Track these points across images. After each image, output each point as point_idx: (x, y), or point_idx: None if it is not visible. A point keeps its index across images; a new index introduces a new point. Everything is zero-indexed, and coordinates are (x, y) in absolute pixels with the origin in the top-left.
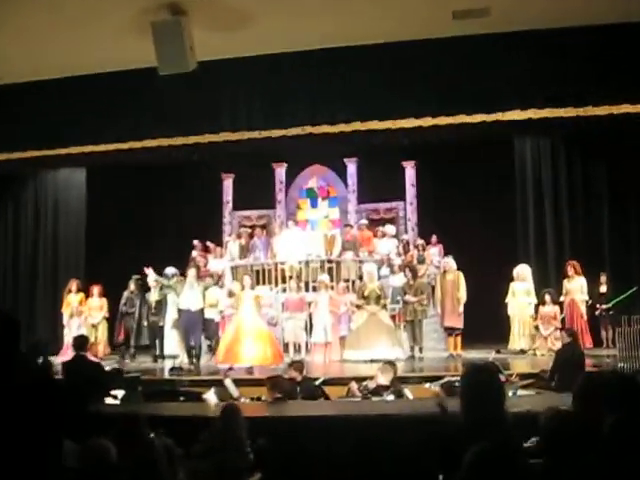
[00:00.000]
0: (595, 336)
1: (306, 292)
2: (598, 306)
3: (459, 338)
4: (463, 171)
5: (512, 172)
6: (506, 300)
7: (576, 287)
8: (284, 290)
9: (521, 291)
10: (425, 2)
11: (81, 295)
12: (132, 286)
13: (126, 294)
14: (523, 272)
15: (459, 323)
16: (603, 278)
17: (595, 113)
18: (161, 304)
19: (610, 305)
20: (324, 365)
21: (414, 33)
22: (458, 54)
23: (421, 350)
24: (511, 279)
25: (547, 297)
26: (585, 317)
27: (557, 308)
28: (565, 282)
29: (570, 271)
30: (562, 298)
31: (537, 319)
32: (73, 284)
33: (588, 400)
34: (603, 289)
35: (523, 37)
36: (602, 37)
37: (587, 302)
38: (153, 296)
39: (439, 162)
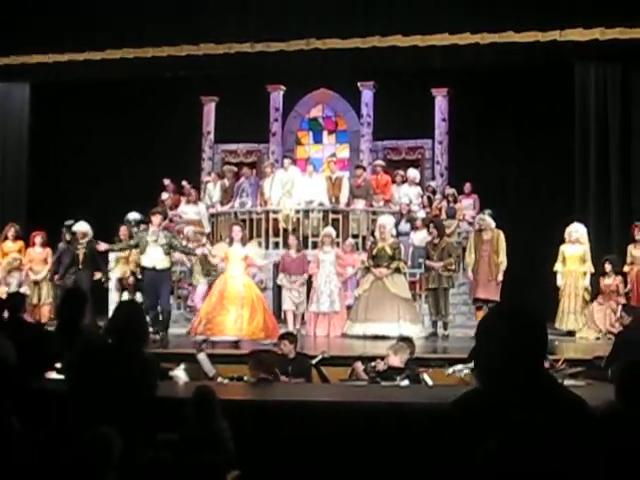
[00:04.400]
0: None
1: (305, 249)
2: None
3: None
4: (508, 103)
5: (570, 106)
6: (555, 267)
7: None
8: (276, 245)
9: (574, 256)
10: None
11: (20, 244)
12: (68, 235)
13: (62, 246)
14: (577, 232)
15: (495, 294)
16: None
17: None
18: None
19: None
20: (326, 340)
21: None
22: None
23: (446, 326)
24: (562, 241)
25: (608, 266)
26: None
27: (620, 279)
28: (631, 248)
29: (638, 234)
30: (626, 268)
31: (596, 293)
32: (10, 230)
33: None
34: None
35: None
36: None
37: None
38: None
39: (478, 91)
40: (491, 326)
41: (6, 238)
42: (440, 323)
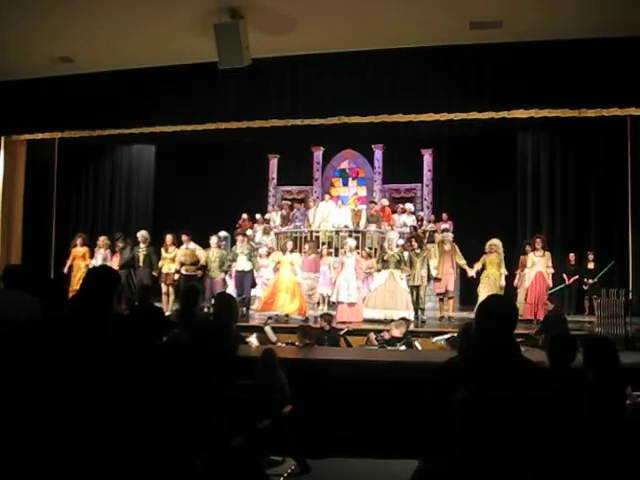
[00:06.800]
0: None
1: (335, 257)
2: (586, 280)
3: (451, 302)
4: (473, 159)
5: (514, 161)
6: (475, 266)
7: (543, 260)
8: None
9: (493, 262)
10: (446, 14)
11: (86, 249)
12: (121, 243)
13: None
14: (495, 245)
15: (452, 287)
16: (591, 256)
17: (588, 114)
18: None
19: (597, 280)
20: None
21: (435, 40)
22: (473, 59)
23: (423, 312)
24: (483, 252)
25: (529, 247)
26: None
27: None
28: (532, 255)
29: (538, 244)
30: (526, 270)
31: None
32: (78, 239)
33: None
34: (591, 266)
35: (529, 46)
36: (594, 48)
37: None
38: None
39: (453, 151)
40: (484, 309)
41: (75, 245)
42: (420, 311)
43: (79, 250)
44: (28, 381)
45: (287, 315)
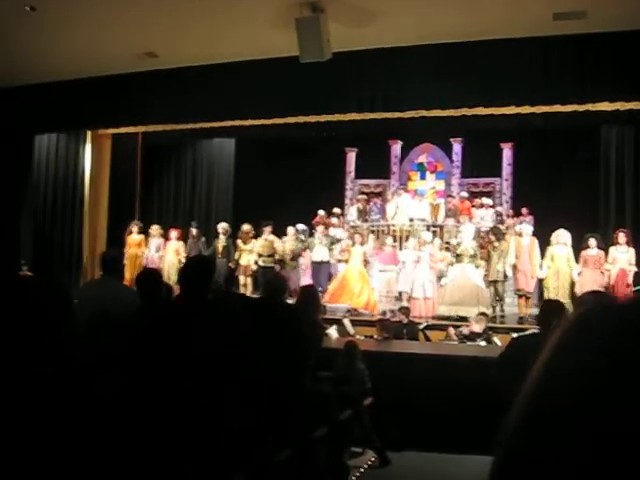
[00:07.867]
0: None
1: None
2: None
3: (530, 301)
4: (554, 153)
5: (598, 155)
6: (544, 262)
7: (626, 256)
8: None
9: (562, 256)
10: (529, 5)
11: (142, 237)
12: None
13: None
14: (561, 236)
15: (531, 287)
16: None
17: None
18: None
19: None
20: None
21: (518, 31)
22: (556, 51)
23: (502, 308)
24: (548, 243)
25: (593, 241)
26: (632, 288)
27: (602, 253)
28: (613, 250)
29: (621, 239)
30: (608, 267)
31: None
32: (134, 226)
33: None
34: None
35: (614, 37)
36: None
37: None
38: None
39: (534, 144)
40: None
41: (131, 232)
42: (498, 306)
43: (135, 238)
44: (136, 371)
45: (355, 309)
